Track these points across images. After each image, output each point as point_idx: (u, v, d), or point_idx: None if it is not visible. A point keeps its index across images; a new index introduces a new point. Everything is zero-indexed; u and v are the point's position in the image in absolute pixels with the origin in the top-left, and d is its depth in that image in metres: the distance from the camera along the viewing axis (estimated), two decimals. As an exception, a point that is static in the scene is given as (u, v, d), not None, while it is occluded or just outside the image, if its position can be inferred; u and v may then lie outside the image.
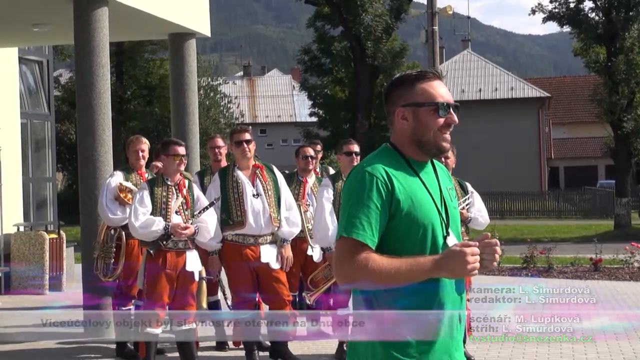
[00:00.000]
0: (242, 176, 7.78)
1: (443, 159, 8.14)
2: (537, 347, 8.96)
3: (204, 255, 7.77)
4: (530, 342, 9.16)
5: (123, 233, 8.40)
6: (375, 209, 3.02)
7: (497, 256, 2.98)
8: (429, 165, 3.22)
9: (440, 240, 3.08)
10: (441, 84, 3.19)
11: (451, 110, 3.14)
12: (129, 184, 8.41)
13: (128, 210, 8.29)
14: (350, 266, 3.00)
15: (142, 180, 8.52)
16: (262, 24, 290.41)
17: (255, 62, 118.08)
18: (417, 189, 3.10)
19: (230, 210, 7.71)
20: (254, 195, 7.73)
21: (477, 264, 2.92)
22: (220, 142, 9.25)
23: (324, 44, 41.76)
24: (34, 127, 15.53)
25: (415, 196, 3.08)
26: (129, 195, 8.32)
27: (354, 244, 3.00)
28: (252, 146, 7.91)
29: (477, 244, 2.94)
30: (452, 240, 3.10)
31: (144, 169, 8.69)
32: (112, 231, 8.43)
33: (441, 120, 3.13)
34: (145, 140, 8.73)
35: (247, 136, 7.91)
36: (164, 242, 7.24)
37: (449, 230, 3.12)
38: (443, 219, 3.11)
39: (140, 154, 8.58)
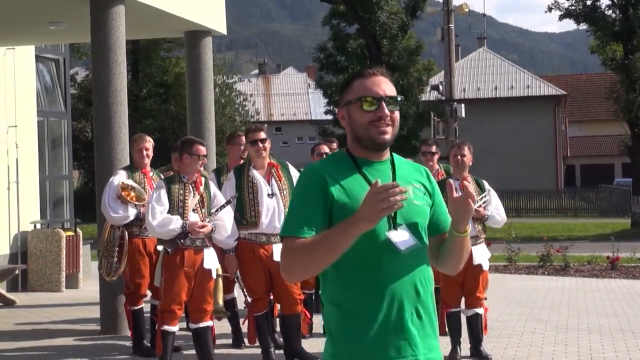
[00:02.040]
0: (258, 175, 7.76)
1: (459, 157, 8.11)
2: (555, 346, 8.93)
3: (220, 254, 7.77)
4: (547, 341, 9.14)
5: (126, 232, 8.41)
6: (308, 204, 3.06)
7: (394, 199, 2.83)
8: (385, 163, 3.19)
9: (382, 236, 3.05)
10: (379, 79, 3.16)
11: (382, 103, 3.12)
12: (131, 182, 8.40)
13: (130, 208, 8.31)
14: (285, 258, 3.04)
15: (146, 179, 8.52)
16: (277, 21, 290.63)
17: (271, 60, 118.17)
18: (357, 185, 3.08)
19: (245, 210, 7.70)
20: (269, 195, 7.71)
21: (386, 202, 2.82)
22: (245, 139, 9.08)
23: (339, 41, 41.72)
24: (50, 125, 15.59)
25: (353, 191, 3.06)
26: (132, 194, 8.31)
27: (288, 241, 3.05)
28: (268, 145, 7.89)
29: (384, 184, 2.85)
30: (397, 234, 3.06)
31: (148, 168, 8.66)
32: (116, 230, 8.44)
33: (369, 114, 3.12)
34: (149, 138, 8.69)
35: (262, 135, 7.88)
36: (182, 240, 7.25)
37: (397, 225, 3.08)
38: (390, 213, 3.01)
39: (144, 152, 8.54)
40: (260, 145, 7.79)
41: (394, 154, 3.24)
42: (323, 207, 3.06)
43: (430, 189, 3.23)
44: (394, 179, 3.13)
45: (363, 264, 3.04)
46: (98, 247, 8.80)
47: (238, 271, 7.95)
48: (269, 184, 7.75)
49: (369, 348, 3.03)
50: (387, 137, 3.12)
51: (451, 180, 3.18)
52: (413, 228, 3.11)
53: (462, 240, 3.16)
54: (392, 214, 3.05)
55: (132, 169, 8.61)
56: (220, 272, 7.74)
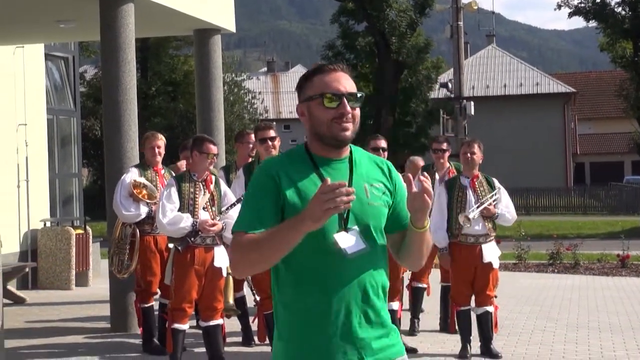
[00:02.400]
0: (267, 173, 7.74)
1: (469, 155, 8.09)
2: (565, 344, 8.91)
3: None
4: (557, 339, 9.12)
5: (137, 230, 8.43)
6: (260, 200, 3.03)
7: (340, 199, 2.78)
8: (344, 162, 3.13)
9: (331, 237, 3.00)
10: (339, 75, 3.11)
11: (344, 100, 3.07)
12: (143, 180, 8.41)
13: (142, 206, 8.32)
14: (234, 253, 3.02)
15: (157, 177, 8.52)
16: (285, 19, 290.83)
17: (279, 57, 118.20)
18: (311, 185, 3.02)
19: (254, 209, 7.68)
20: (277, 193, 7.69)
21: (332, 202, 2.77)
22: (254, 137, 9.04)
23: (348, 39, 41.74)
24: (60, 123, 15.61)
25: (306, 191, 3.01)
26: (144, 192, 8.32)
27: (238, 235, 3.02)
28: (277, 143, 7.88)
29: (331, 184, 2.81)
30: (344, 238, 3.00)
31: (160, 166, 8.67)
32: (128, 227, 8.45)
33: (331, 111, 3.07)
34: (161, 136, 8.70)
35: (272, 133, 7.88)
36: (192, 239, 7.24)
37: (347, 227, 3.03)
38: (342, 215, 3.01)
39: (156, 150, 8.55)
40: (270, 143, 7.78)
41: (356, 149, 3.20)
42: (275, 204, 3.02)
43: (391, 186, 3.19)
44: (350, 177, 3.09)
45: (311, 265, 3.01)
46: (109, 245, 8.82)
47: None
48: (278, 182, 7.74)
49: (315, 350, 3.01)
50: (348, 134, 3.08)
51: (410, 175, 3.16)
52: (365, 230, 3.06)
53: (422, 235, 3.12)
54: (345, 216, 3.02)
55: (144, 166, 8.62)
56: (230, 270, 7.73)
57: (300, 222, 2.85)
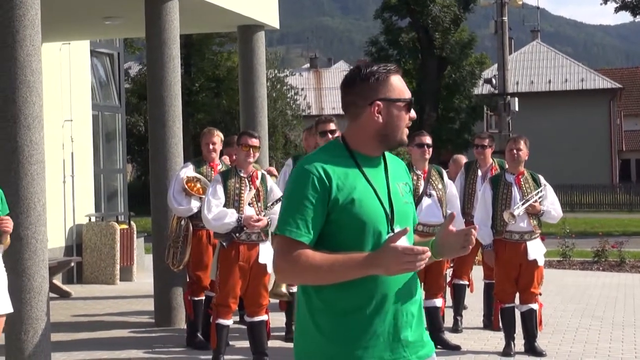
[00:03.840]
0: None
1: (515, 151, 8.03)
2: (611, 343, 8.81)
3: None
4: (603, 338, 9.02)
5: (190, 224, 8.51)
6: (310, 205, 2.99)
7: (419, 264, 2.86)
8: (380, 159, 3.16)
9: (384, 237, 3.01)
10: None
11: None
12: (195, 174, 8.48)
13: (194, 201, 8.39)
14: (284, 263, 3.01)
15: (213, 173, 8.59)
16: (328, 15, 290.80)
17: (322, 53, 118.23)
18: (359, 185, 3.04)
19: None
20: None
21: (411, 265, 2.84)
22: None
23: (391, 35, 41.62)
24: (105, 119, 15.74)
25: (355, 192, 3.02)
26: (197, 186, 8.40)
27: (287, 242, 3.00)
28: (338, 136, 7.86)
29: (414, 247, 2.86)
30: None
31: (216, 161, 8.76)
32: (182, 222, 8.55)
33: (407, 117, 3.12)
34: (217, 133, 8.79)
35: (332, 126, 7.91)
36: (237, 235, 7.27)
37: (394, 227, 3.05)
38: (388, 215, 3.04)
39: (211, 146, 8.66)
40: (330, 136, 7.78)
41: None
42: (322, 208, 3.01)
43: (411, 185, 3.27)
44: (387, 177, 3.12)
45: None
46: (166, 238, 8.93)
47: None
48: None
49: (364, 348, 3.02)
50: None
51: (454, 212, 3.18)
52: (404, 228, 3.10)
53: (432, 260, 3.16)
54: (390, 216, 3.05)
55: (200, 162, 8.73)
56: (274, 272, 7.74)
57: (373, 267, 2.90)
